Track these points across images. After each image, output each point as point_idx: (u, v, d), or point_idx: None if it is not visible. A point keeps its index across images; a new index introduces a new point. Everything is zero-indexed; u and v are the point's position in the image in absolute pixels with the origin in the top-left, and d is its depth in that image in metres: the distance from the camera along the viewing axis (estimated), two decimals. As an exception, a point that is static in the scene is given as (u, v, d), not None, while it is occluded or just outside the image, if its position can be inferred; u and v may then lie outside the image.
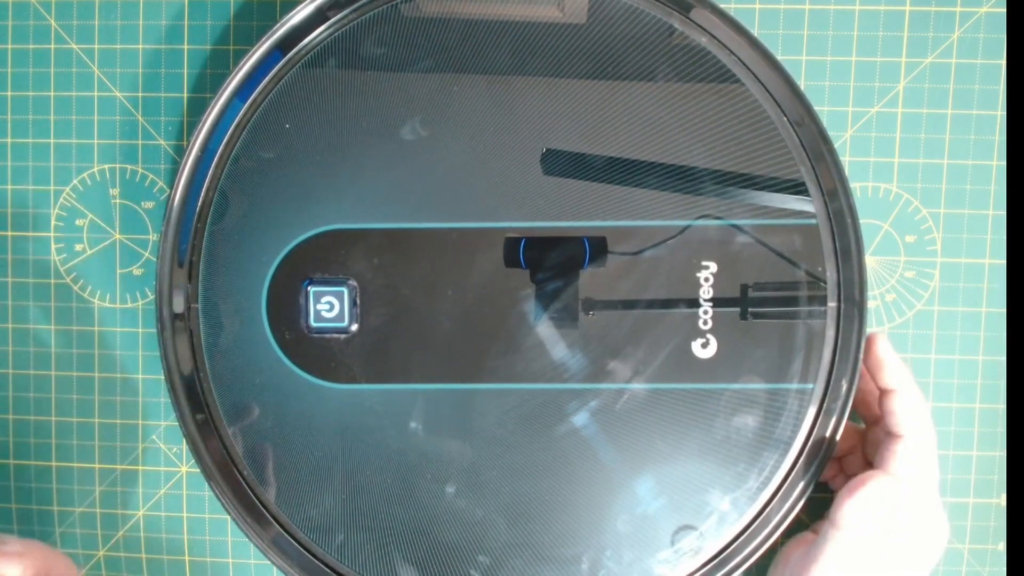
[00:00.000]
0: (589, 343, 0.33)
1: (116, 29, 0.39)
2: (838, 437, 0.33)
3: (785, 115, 0.33)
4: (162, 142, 0.39)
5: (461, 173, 0.33)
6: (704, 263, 0.33)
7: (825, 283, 0.33)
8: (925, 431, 0.32)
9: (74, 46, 0.39)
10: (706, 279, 0.33)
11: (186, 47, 0.39)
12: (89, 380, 0.40)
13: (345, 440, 0.33)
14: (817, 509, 0.36)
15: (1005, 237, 0.38)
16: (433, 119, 0.33)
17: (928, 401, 0.38)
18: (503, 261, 0.33)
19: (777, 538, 0.33)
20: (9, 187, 0.40)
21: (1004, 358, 0.38)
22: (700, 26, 0.33)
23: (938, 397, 0.38)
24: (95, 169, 0.39)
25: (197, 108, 0.39)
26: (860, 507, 0.31)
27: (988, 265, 0.38)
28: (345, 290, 0.33)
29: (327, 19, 0.33)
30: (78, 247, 0.40)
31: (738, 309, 0.33)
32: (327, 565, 0.33)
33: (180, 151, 0.39)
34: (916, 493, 0.32)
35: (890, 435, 0.32)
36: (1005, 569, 0.38)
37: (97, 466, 0.40)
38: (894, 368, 0.32)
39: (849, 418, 0.33)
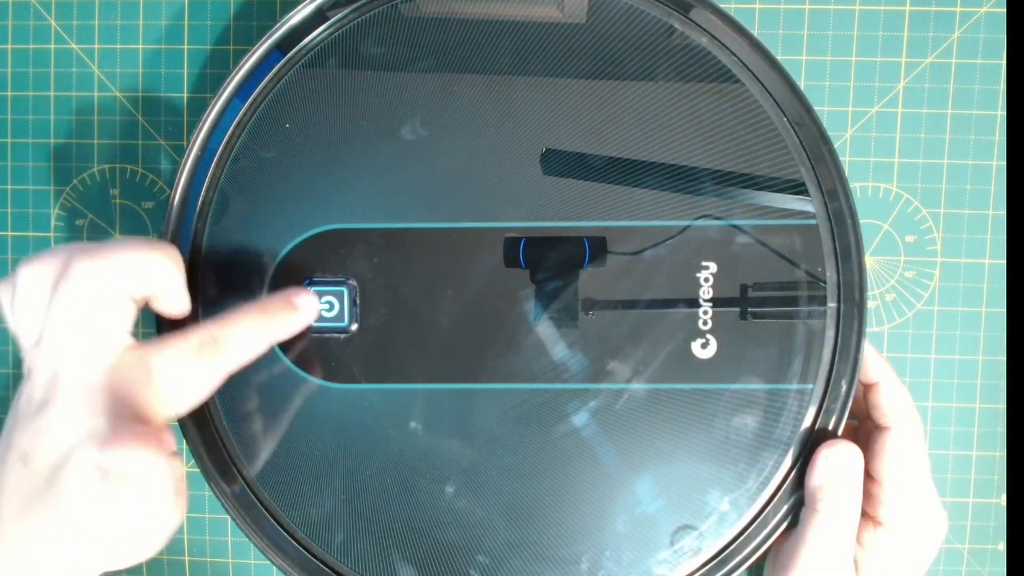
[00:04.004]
0: (589, 343, 0.33)
1: (116, 29, 0.39)
2: (838, 436, 0.33)
3: (785, 115, 0.33)
4: (162, 142, 0.39)
5: (461, 173, 0.33)
6: (704, 263, 0.33)
7: (825, 283, 0.33)
8: (910, 421, 0.32)
9: (74, 46, 0.39)
10: (706, 279, 0.33)
11: (186, 47, 0.39)
12: (89, 380, 0.40)
13: (345, 440, 0.33)
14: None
15: (1005, 237, 0.38)
16: (433, 119, 0.33)
17: (928, 401, 0.38)
18: (503, 261, 0.33)
19: (776, 538, 0.33)
20: (9, 187, 0.40)
21: (1004, 358, 0.38)
22: (700, 26, 0.33)
23: (938, 397, 0.38)
24: (95, 169, 0.39)
25: (197, 108, 0.39)
26: (822, 480, 0.31)
27: (988, 265, 0.38)
28: (345, 290, 0.33)
29: (327, 19, 0.33)
30: (78, 247, 0.40)
31: (738, 309, 0.33)
32: (327, 565, 0.33)
33: (180, 151, 0.39)
34: (907, 483, 0.32)
35: (878, 428, 0.32)
36: (1005, 569, 0.38)
37: (97, 466, 0.40)
38: (874, 362, 0.33)
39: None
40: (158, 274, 0.29)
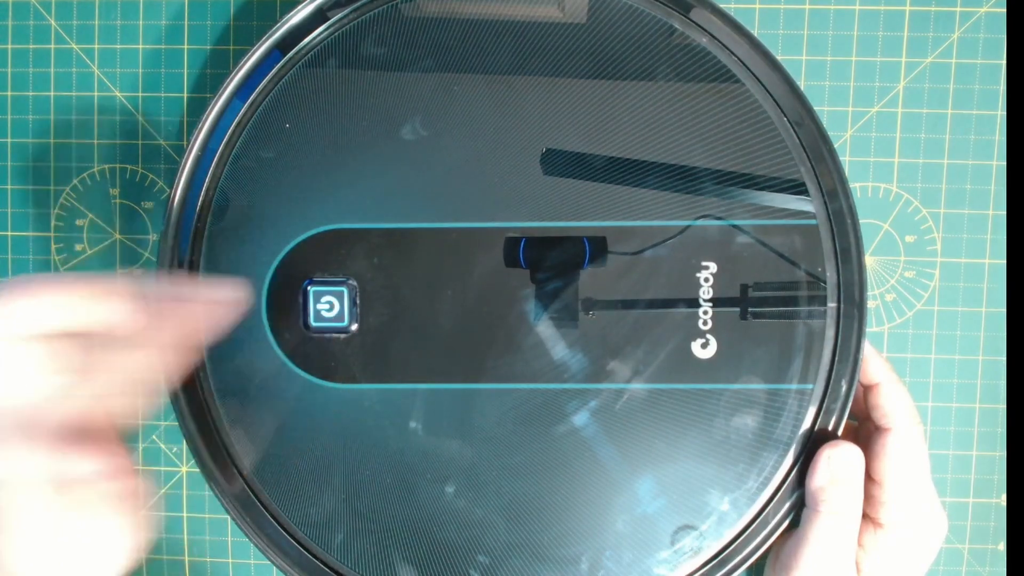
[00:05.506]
0: (589, 343, 0.33)
1: (116, 29, 0.39)
2: (838, 437, 0.33)
3: (785, 115, 0.33)
4: (162, 142, 0.39)
5: (461, 173, 0.33)
6: (704, 263, 0.33)
7: (825, 283, 0.33)
8: (911, 423, 0.32)
9: (74, 46, 0.39)
10: (706, 279, 0.33)
11: (186, 47, 0.39)
12: (89, 380, 0.40)
13: (345, 440, 0.33)
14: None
15: (1005, 237, 0.38)
16: (433, 119, 0.33)
17: (928, 401, 0.38)
18: (503, 261, 0.33)
19: (776, 538, 0.33)
20: (9, 187, 0.40)
21: (1004, 358, 0.38)
22: (700, 26, 0.33)
23: (938, 397, 0.38)
24: (95, 169, 0.39)
25: (197, 108, 0.39)
26: (824, 480, 0.31)
27: (988, 265, 0.38)
28: (345, 290, 0.33)
29: (327, 19, 0.33)
30: (78, 247, 0.40)
31: (738, 309, 0.33)
32: (327, 565, 0.33)
33: (180, 151, 0.39)
34: (908, 485, 0.32)
35: (878, 429, 0.32)
36: (1005, 569, 0.38)
37: (97, 466, 0.40)
38: (874, 363, 0.33)
39: (848, 418, 0.33)
40: (59, 311, 0.27)
